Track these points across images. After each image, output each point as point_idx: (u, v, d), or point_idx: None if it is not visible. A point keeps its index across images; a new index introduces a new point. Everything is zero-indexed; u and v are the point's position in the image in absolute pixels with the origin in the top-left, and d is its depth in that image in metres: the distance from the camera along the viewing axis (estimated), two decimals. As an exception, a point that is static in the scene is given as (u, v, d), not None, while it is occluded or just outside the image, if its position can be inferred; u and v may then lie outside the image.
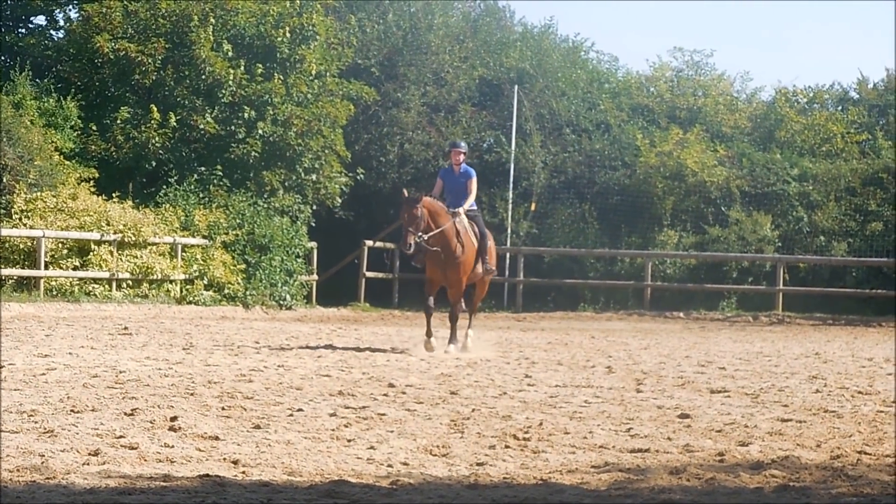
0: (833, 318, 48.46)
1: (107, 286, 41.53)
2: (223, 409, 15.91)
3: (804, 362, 27.06)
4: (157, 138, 46.83)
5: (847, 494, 11.31)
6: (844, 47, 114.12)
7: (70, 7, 52.52)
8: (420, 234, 26.16)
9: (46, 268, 40.44)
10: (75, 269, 41.29)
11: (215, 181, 47.24)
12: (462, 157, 27.98)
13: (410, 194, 26.89)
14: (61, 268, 41.09)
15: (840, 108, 62.20)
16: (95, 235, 41.53)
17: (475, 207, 28.20)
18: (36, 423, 14.10)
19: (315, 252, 49.47)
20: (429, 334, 26.93)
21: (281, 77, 48.48)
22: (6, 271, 39.95)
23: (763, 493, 11.31)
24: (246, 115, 47.82)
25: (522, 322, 43.48)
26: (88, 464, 11.84)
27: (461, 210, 27.19)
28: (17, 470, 11.39)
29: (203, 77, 47.72)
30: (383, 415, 15.90)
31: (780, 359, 27.89)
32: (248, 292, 44.12)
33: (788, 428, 15.70)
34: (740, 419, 16.44)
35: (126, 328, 31.60)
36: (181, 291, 42.93)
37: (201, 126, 47.32)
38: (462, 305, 28.15)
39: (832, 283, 51.90)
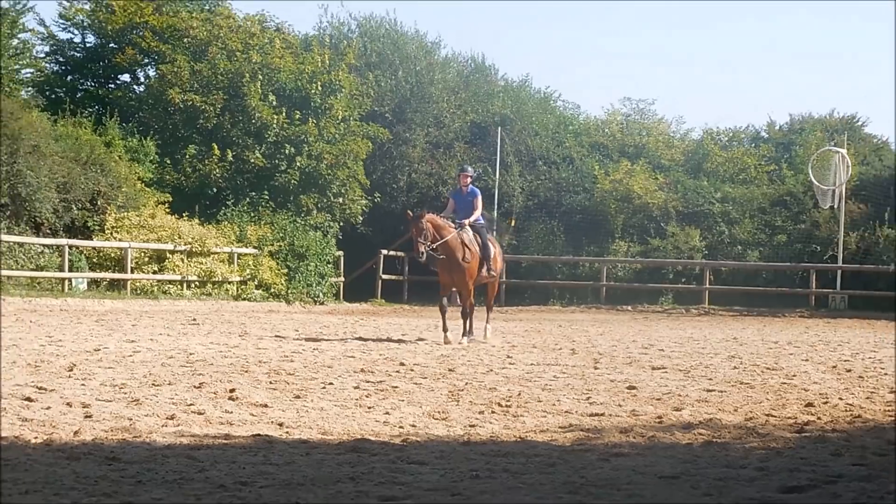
0: (748, 310, 48.40)
1: (179, 286, 41.51)
2: (271, 382, 15.95)
3: (725, 345, 27.06)
4: (217, 170, 46.97)
5: (758, 448, 11.37)
6: (757, 96, 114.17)
7: (148, 67, 52.60)
8: (429, 244, 24.76)
9: (132, 272, 40.42)
10: (154, 273, 41.29)
11: (263, 203, 47.33)
12: (469, 179, 26.19)
13: (414, 213, 25.63)
14: (143, 272, 41.08)
15: (753, 144, 62.33)
16: (170, 246, 41.58)
17: (482, 221, 26.40)
18: (125, 394, 14.15)
19: (342, 259, 49.36)
20: (445, 329, 25.43)
21: (314, 121, 48.53)
22: (101, 275, 40.01)
23: (692, 448, 11.37)
24: (287, 151, 47.90)
25: (504, 314, 43.41)
26: (166, 425, 11.91)
27: (466, 222, 25.56)
28: (112, 430, 11.47)
29: (253, 121, 47.77)
30: (396, 387, 15.92)
31: (706, 342, 27.89)
32: (289, 291, 44.09)
33: (712, 396, 15.74)
34: (675, 390, 16.47)
35: (194, 319, 31.62)
36: (237, 290, 42.91)
37: (252, 160, 47.44)
38: (472, 304, 26.36)
39: (747, 283, 51.88)
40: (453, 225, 25.47)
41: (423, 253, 24.79)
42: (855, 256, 51.11)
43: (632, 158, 57.41)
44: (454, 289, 26.88)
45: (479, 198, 26.24)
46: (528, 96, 60.60)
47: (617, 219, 54.72)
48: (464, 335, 25.62)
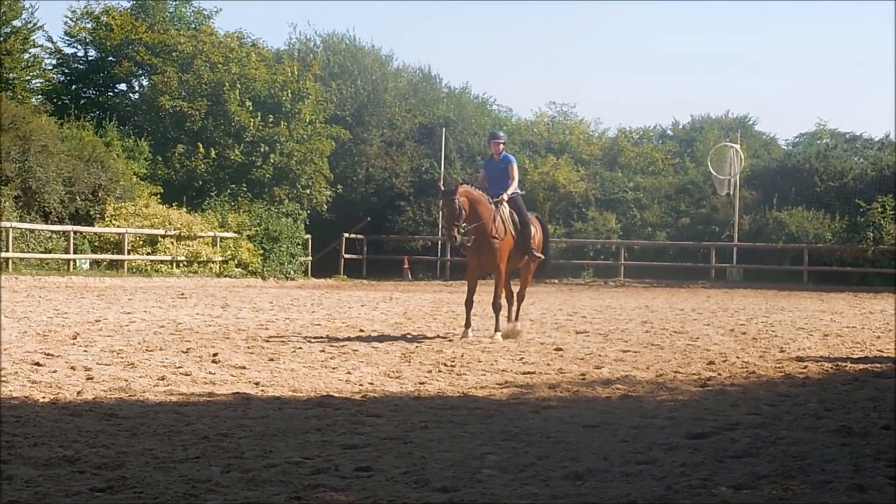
0: (657, 282, 48.63)
1: (169, 266, 41.41)
2: (248, 347, 15.86)
3: (638, 312, 27.12)
4: (202, 166, 46.92)
5: (667, 400, 11.37)
6: (663, 99, 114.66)
7: (142, 77, 52.40)
8: (463, 225, 18.40)
9: (128, 254, 40.30)
10: (148, 254, 41.22)
11: (242, 194, 47.34)
12: (501, 146, 20.00)
13: (446, 187, 19.18)
14: (138, 253, 40.99)
15: (661, 141, 62.77)
16: (161, 231, 41.52)
17: (519, 192, 20.09)
18: (122, 358, 14.04)
19: (309, 241, 49.36)
20: (467, 325, 19.07)
21: (285, 123, 48.46)
22: (101, 256, 39.86)
23: (611, 401, 11.36)
24: (262, 149, 47.87)
25: (450, 287, 43.42)
26: (158, 386, 11.81)
27: (504, 196, 19.34)
28: (110, 390, 11.38)
29: (233, 124, 47.69)
30: (356, 350, 15.87)
31: (622, 310, 27.94)
32: (264, 269, 44.02)
33: (628, 356, 15.74)
34: (596, 350, 16.47)
35: (182, 294, 31.46)
36: (219, 269, 42.80)
37: (232, 157, 47.36)
38: (504, 297, 19.87)
39: (656, 259, 52.04)
40: (490, 200, 19.23)
41: (456, 238, 18.56)
42: (748, 235, 51.43)
43: (557, 154, 57.63)
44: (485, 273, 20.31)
45: (515, 165, 20.13)
46: (468, 101, 60.69)
47: (545, 205, 54.79)
48: (496, 331, 19.05)
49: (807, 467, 7.76)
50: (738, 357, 15.76)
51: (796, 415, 10.37)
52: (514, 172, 19.84)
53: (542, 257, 20.42)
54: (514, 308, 20.38)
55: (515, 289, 20.66)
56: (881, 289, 44.57)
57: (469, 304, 19.34)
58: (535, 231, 20.26)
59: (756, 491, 7.07)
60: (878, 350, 17.47)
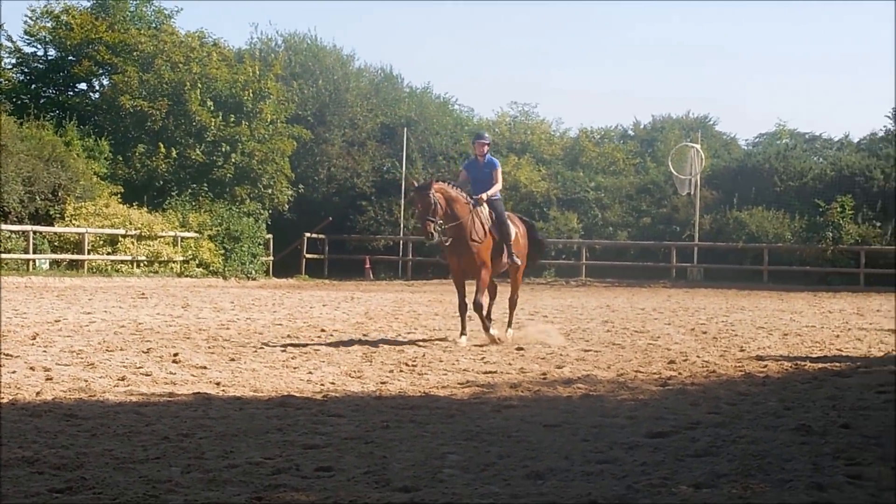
0: (618, 282, 48.68)
1: (130, 266, 41.24)
2: (209, 347, 15.83)
3: (599, 311, 27.17)
4: (163, 165, 46.67)
5: (628, 400, 11.39)
6: (624, 99, 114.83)
7: (103, 76, 52.12)
8: (440, 222, 17.75)
9: (89, 254, 40.12)
10: (108, 254, 41.02)
11: (203, 194, 47.17)
12: (486, 147, 19.12)
13: (420, 182, 18.91)
14: (99, 253, 40.79)
15: (622, 141, 62.93)
16: (122, 231, 41.32)
17: (499, 197, 19.02)
18: (82, 359, 13.99)
19: (271, 241, 49.24)
20: (463, 332, 18.28)
21: (247, 123, 48.29)
22: (61, 256, 39.67)
23: (572, 400, 11.38)
24: (223, 149, 47.64)
25: (411, 287, 43.36)
26: (118, 386, 11.77)
27: (483, 196, 18.49)
28: (70, 391, 11.34)
29: (194, 124, 47.49)
30: (318, 350, 15.85)
31: (583, 310, 27.98)
32: (226, 268, 43.91)
33: (589, 356, 15.77)
34: (557, 350, 16.49)
35: (143, 294, 31.34)
36: (180, 269, 42.64)
37: (193, 157, 47.15)
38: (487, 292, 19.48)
39: (618, 258, 52.08)
40: (468, 199, 18.50)
41: (432, 234, 17.76)
42: (709, 235, 51.57)
43: (518, 153, 57.70)
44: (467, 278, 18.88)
45: (499, 169, 19.23)
46: (429, 101, 60.75)
47: (506, 205, 54.44)
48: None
49: (766, 466, 7.79)
50: (698, 356, 15.81)
51: (756, 414, 10.41)
52: (499, 176, 19.00)
53: (520, 263, 19.66)
54: (508, 319, 20.07)
55: (506, 292, 20.53)
56: (840, 288, 44.83)
57: (462, 307, 18.51)
58: (517, 231, 19.57)
59: (716, 490, 7.10)
60: (837, 349, 17.56)
